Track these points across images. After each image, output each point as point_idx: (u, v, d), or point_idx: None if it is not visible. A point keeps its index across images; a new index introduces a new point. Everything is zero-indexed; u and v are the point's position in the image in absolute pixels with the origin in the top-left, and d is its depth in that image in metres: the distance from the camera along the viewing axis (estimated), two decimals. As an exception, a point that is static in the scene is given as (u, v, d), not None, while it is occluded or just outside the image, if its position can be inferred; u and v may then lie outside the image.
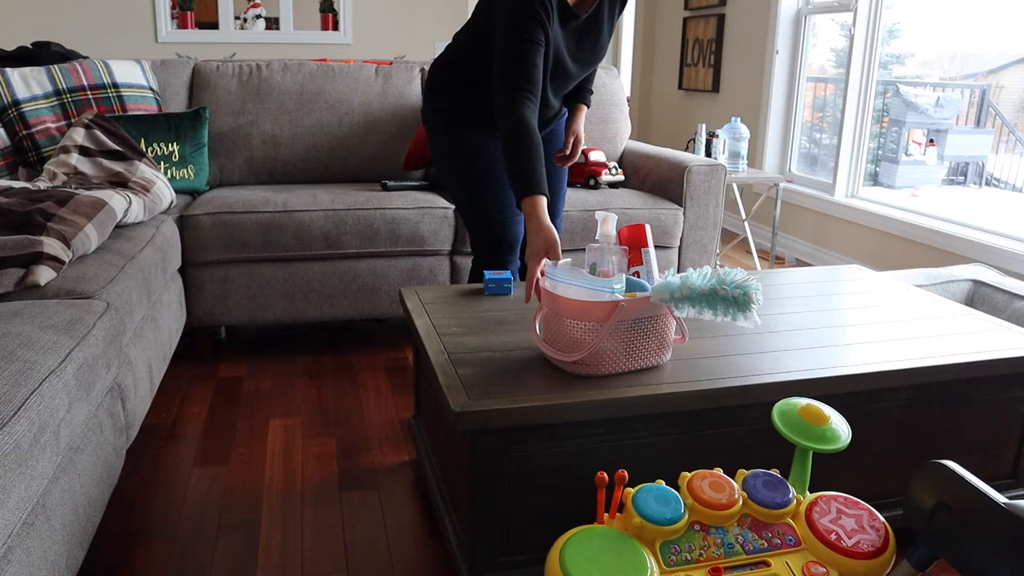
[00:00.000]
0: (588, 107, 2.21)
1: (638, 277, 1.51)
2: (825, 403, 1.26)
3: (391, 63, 3.11)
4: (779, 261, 4.17)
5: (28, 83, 2.55)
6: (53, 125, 2.55)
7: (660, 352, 1.38)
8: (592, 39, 1.93)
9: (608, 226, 1.50)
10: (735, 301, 1.23)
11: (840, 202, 3.80)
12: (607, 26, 1.94)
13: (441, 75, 2.03)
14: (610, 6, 1.93)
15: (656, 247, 2.80)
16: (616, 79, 3.26)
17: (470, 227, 2.09)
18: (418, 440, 1.82)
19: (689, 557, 1.11)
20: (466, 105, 2.01)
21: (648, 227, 1.51)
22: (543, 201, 1.62)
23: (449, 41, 2.38)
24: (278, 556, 1.57)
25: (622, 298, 1.29)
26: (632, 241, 1.50)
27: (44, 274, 1.63)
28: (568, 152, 2.16)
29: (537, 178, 1.64)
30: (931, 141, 4.06)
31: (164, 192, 2.35)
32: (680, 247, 2.86)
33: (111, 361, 1.53)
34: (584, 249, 2.70)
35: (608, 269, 1.48)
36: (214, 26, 4.95)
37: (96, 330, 1.47)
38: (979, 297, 2.32)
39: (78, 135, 2.38)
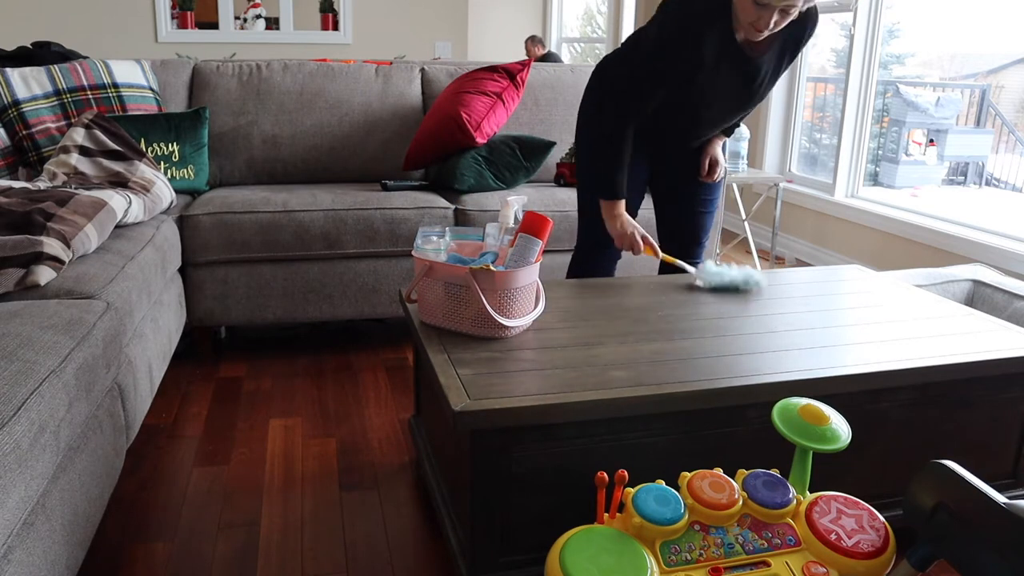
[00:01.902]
0: (727, 137, 2.16)
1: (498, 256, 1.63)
2: (825, 403, 1.26)
3: (391, 63, 3.11)
4: (779, 261, 4.17)
5: (28, 83, 2.55)
6: (53, 125, 2.55)
7: (480, 324, 1.49)
8: (756, 80, 1.86)
9: (507, 209, 1.64)
10: None
11: (840, 202, 3.80)
12: (773, 68, 1.87)
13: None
14: (781, 49, 1.84)
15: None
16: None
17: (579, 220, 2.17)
18: (418, 440, 1.82)
19: (689, 557, 1.11)
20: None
21: (551, 224, 1.55)
22: (620, 204, 1.91)
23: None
24: (278, 556, 1.57)
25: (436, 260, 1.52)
26: (523, 227, 1.55)
27: (44, 274, 1.63)
28: (705, 172, 2.12)
29: (618, 183, 1.89)
30: (931, 141, 4.07)
31: (164, 192, 2.35)
32: (680, 247, 2.86)
33: (111, 361, 1.53)
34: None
35: (488, 243, 1.65)
36: (214, 26, 4.95)
37: (96, 330, 1.47)
38: (979, 297, 2.32)
39: (78, 135, 2.38)
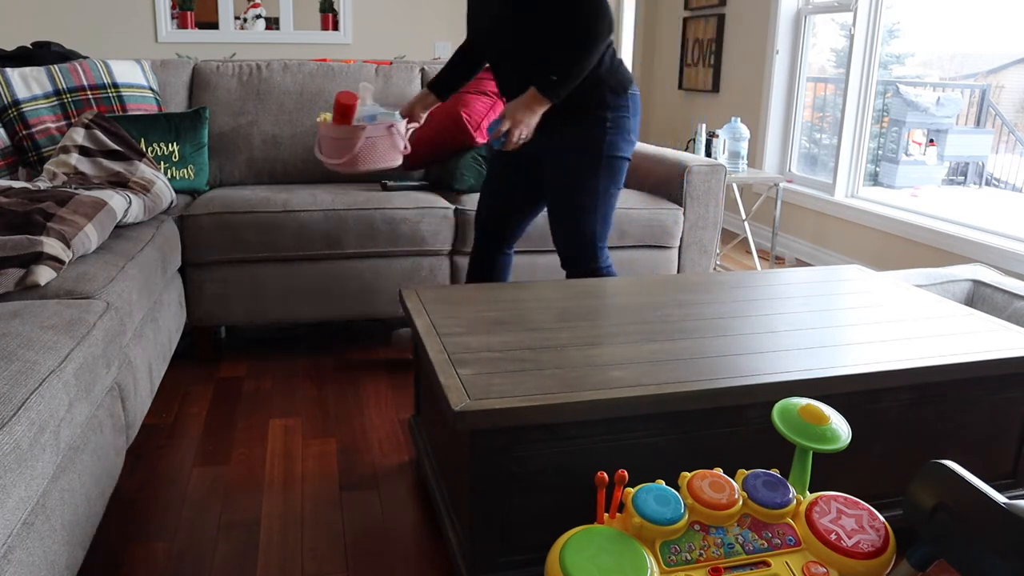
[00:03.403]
0: (544, 95, 1.81)
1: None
2: (825, 403, 1.26)
3: (391, 63, 3.11)
4: (779, 261, 4.17)
5: (28, 83, 2.55)
6: (53, 125, 2.55)
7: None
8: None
9: (366, 94, 2.10)
10: None
11: (840, 202, 3.80)
12: None
13: None
14: None
15: (656, 247, 2.80)
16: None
17: None
18: (418, 440, 1.82)
19: (689, 557, 1.11)
20: None
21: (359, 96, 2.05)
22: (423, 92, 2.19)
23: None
24: (278, 556, 1.57)
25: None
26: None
27: (44, 274, 1.63)
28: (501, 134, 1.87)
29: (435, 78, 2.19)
30: (931, 141, 4.06)
31: (164, 192, 2.35)
32: (680, 247, 2.86)
33: (111, 361, 1.53)
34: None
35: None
36: (214, 26, 4.95)
37: (96, 330, 1.47)
38: (979, 297, 2.32)
39: (78, 135, 2.38)
